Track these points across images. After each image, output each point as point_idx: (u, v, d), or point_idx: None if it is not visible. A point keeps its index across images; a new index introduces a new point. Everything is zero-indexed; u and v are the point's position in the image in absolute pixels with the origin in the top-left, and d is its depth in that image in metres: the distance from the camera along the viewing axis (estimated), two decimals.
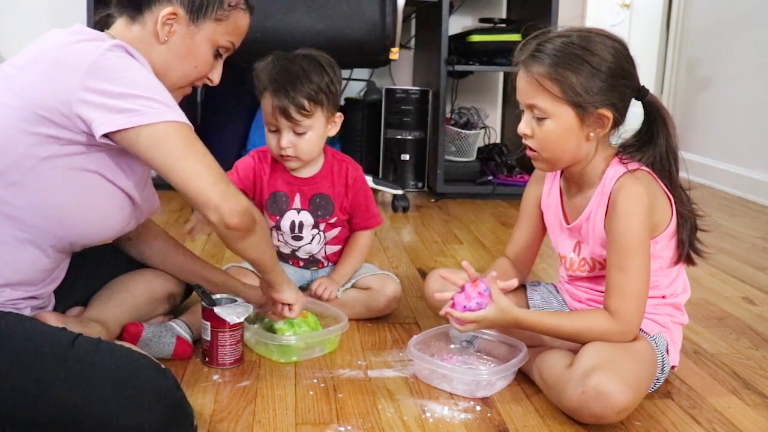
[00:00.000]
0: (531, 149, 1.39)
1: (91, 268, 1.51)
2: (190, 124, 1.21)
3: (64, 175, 1.19)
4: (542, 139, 1.35)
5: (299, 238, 1.75)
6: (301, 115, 1.59)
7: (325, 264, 1.81)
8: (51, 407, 1.05)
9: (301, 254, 1.79)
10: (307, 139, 1.63)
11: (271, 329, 1.54)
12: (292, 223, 1.73)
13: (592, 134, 1.34)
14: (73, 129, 1.16)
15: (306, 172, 1.73)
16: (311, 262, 1.80)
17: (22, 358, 1.09)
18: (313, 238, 1.76)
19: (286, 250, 1.78)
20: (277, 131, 1.63)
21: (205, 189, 1.19)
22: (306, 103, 1.59)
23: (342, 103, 3.34)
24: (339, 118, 1.68)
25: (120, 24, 1.30)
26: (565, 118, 1.32)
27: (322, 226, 1.75)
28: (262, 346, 1.54)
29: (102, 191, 1.24)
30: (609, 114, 1.32)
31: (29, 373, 1.07)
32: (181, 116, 1.19)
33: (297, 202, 1.73)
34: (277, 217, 1.74)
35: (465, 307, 1.36)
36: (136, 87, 1.17)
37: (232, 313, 1.44)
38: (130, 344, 1.42)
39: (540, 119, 1.34)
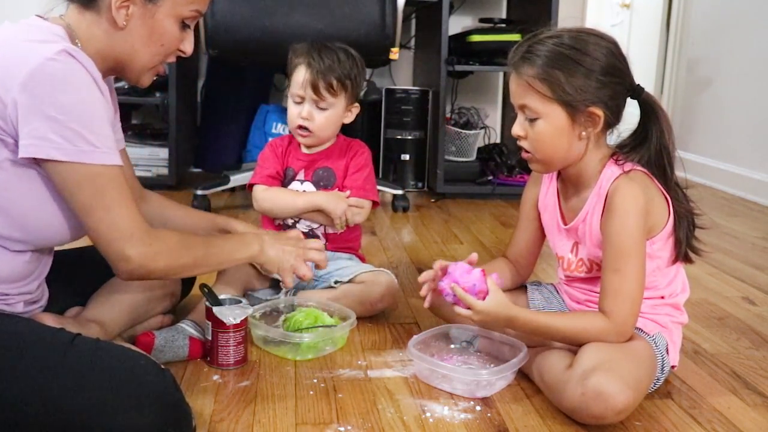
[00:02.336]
0: (526, 151, 1.39)
1: (89, 267, 1.51)
2: (115, 161, 1.17)
3: (18, 179, 1.16)
4: (535, 140, 1.36)
5: None
6: (327, 91, 1.73)
7: (323, 242, 1.80)
8: (48, 408, 1.04)
9: (301, 226, 1.82)
10: (326, 115, 1.76)
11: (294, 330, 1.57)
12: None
13: (583, 133, 1.35)
14: (14, 136, 1.13)
15: (316, 150, 1.83)
16: (308, 235, 1.81)
17: (19, 359, 1.09)
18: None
19: (289, 222, 1.84)
20: (301, 103, 1.76)
21: (101, 246, 1.22)
22: (334, 81, 1.73)
23: None
24: (356, 108, 1.80)
25: (72, 11, 1.24)
26: (556, 117, 1.33)
27: None
28: (273, 345, 1.55)
29: (57, 195, 1.20)
30: (599, 112, 1.32)
31: (27, 374, 1.07)
32: (102, 156, 1.15)
33: (301, 174, 1.83)
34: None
35: (458, 282, 1.38)
36: (67, 113, 1.11)
37: (230, 314, 1.44)
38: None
39: (532, 120, 1.35)
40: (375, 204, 1.84)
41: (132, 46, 1.25)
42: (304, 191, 1.81)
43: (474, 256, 1.45)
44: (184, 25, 1.29)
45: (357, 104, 1.80)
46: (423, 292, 1.46)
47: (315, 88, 1.73)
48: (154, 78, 1.34)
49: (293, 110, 1.78)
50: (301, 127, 1.77)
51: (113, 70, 1.28)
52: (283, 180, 1.84)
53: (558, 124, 1.34)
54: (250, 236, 1.46)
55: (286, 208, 1.80)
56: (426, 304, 1.47)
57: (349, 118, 1.80)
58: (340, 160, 1.83)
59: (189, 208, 1.69)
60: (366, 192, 1.81)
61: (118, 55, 1.24)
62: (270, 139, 3.39)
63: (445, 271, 1.41)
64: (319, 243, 1.55)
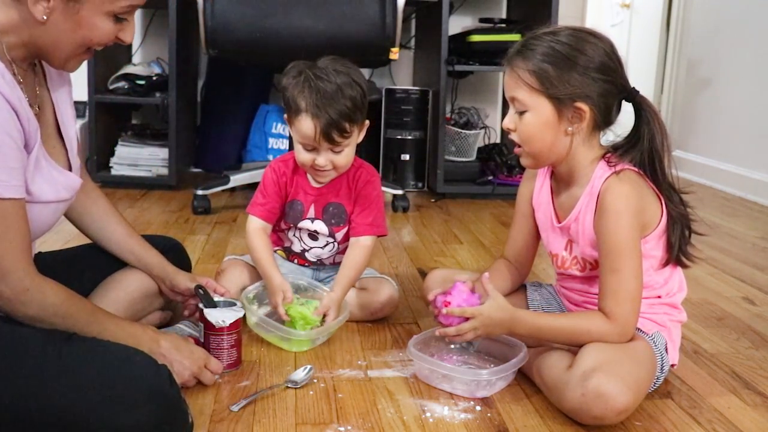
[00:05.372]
0: (517, 145, 1.41)
1: (84, 267, 1.51)
2: (6, 194, 1.12)
3: None
4: (522, 132, 1.38)
5: (315, 238, 1.76)
6: (342, 137, 1.60)
7: (327, 265, 1.81)
8: (45, 406, 1.05)
9: (309, 256, 1.79)
10: (344, 154, 1.64)
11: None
12: (308, 230, 1.75)
13: (569, 128, 1.36)
14: None
15: (323, 182, 1.73)
16: (316, 263, 1.81)
17: (16, 357, 1.09)
18: (326, 244, 1.76)
19: (297, 248, 1.79)
20: (314, 150, 1.62)
21: None
22: (347, 125, 1.59)
23: None
24: (366, 124, 1.69)
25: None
26: (543, 110, 1.34)
27: (338, 236, 1.75)
28: (274, 336, 1.57)
29: None
30: (585, 107, 1.33)
31: (23, 372, 1.07)
32: None
33: (311, 211, 1.73)
34: (291, 225, 1.76)
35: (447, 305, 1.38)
36: None
37: (221, 317, 1.44)
38: None
39: (521, 113, 1.37)
40: (382, 234, 1.75)
41: (56, 39, 1.17)
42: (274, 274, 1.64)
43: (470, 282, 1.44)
44: (118, 18, 1.20)
45: (367, 121, 1.68)
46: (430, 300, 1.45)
47: (330, 140, 1.58)
48: (80, 65, 1.27)
49: (305, 156, 1.63)
50: (319, 170, 1.64)
51: (36, 56, 1.24)
52: (290, 214, 1.73)
53: (544, 118, 1.35)
54: (148, 334, 1.30)
55: (258, 270, 1.70)
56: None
57: (361, 137, 1.68)
58: (349, 193, 1.72)
59: (133, 232, 1.55)
60: (375, 228, 1.72)
61: (42, 45, 1.19)
62: (270, 139, 3.42)
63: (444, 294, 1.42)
64: (219, 364, 1.38)
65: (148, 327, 1.36)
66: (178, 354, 1.31)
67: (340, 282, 1.66)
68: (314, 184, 1.73)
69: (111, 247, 1.53)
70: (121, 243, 1.53)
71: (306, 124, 1.58)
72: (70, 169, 1.33)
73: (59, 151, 1.32)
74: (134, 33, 1.25)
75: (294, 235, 1.78)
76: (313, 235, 1.76)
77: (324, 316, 1.60)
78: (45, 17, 1.14)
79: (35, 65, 1.27)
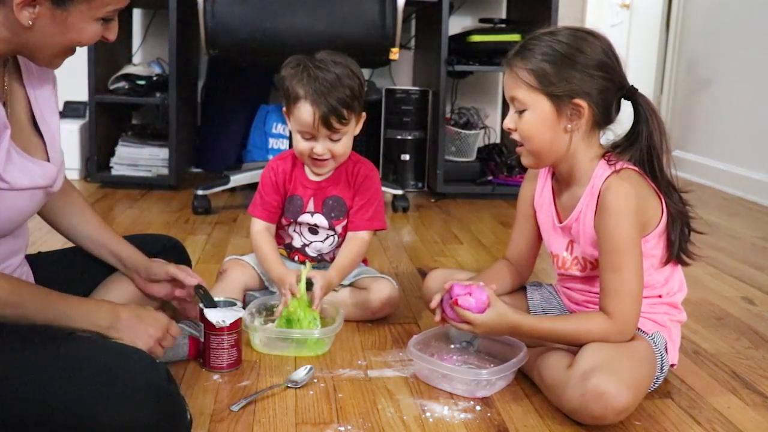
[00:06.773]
0: (519, 145, 1.42)
1: (83, 268, 1.51)
2: None
3: None
4: (522, 131, 1.38)
5: (315, 232, 1.77)
6: (340, 124, 1.63)
7: (327, 261, 1.81)
8: (42, 402, 1.05)
9: (310, 251, 1.80)
10: (342, 143, 1.67)
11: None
12: (308, 224, 1.77)
13: (569, 126, 1.36)
14: None
15: (325, 176, 1.74)
16: (316, 259, 1.81)
17: (15, 355, 1.09)
18: (326, 237, 1.77)
19: (298, 244, 1.80)
20: (312, 138, 1.65)
21: None
22: (345, 112, 1.62)
23: None
24: (363, 117, 1.71)
25: None
26: (542, 108, 1.35)
27: (338, 229, 1.76)
28: (287, 349, 1.55)
29: None
30: (584, 104, 1.34)
31: (22, 369, 1.07)
32: None
33: (311, 205, 1.75)
34: (291, 220, 1.77)
35: (457, 302, 1.37)
36: None
37: (220, 316, 1.44)
38: None
39: (521, 112, 1.37)
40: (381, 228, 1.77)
41: (42, 41, 1.17)
42: (280, 270, 1.66)
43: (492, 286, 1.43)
44: (105, 20, 1.19)
45: (364, 113, 1.70)
46: (437, 318, 1.44)
47: (328, 126, 1.61)
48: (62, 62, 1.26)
49: (304, 146, 1.66)
50: (317, 159, 1.67)
51: (19, 53, 1.23)
52: (289, 209, 1.75)
53: (543, 115, 1.36)
54: (105, 309, 1.27)
55: (263, 269, 1.74)
56: (437, 318, 1.44)
57: (359, 129, 1.71)
58: (348, 186, 1.74)
59: (106, 225, 1.53)
60: (374, 223, 1.74)
61: (27, 45, 1.18)
62: (270, 139, 3.42)
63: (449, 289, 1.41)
64: (177, 329, 1.34)
65: (104, 301, 1.32)
66: (141, 323, 1.26)
67: (334, 266, 1.68)
68: (313, 178, 1.74)
69: (83, 242, 1.50)
70: (93, 235, 1.50)
71: (305, 111, 1.61)
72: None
73: (35, 145, 1.29)
74: (117, 32, 1.24)
75: (294, 230, 1.78)
76: (314, 229, 1.77)
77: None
78: (30, 23, 1.13)
79: (8, 60, 1.25)
